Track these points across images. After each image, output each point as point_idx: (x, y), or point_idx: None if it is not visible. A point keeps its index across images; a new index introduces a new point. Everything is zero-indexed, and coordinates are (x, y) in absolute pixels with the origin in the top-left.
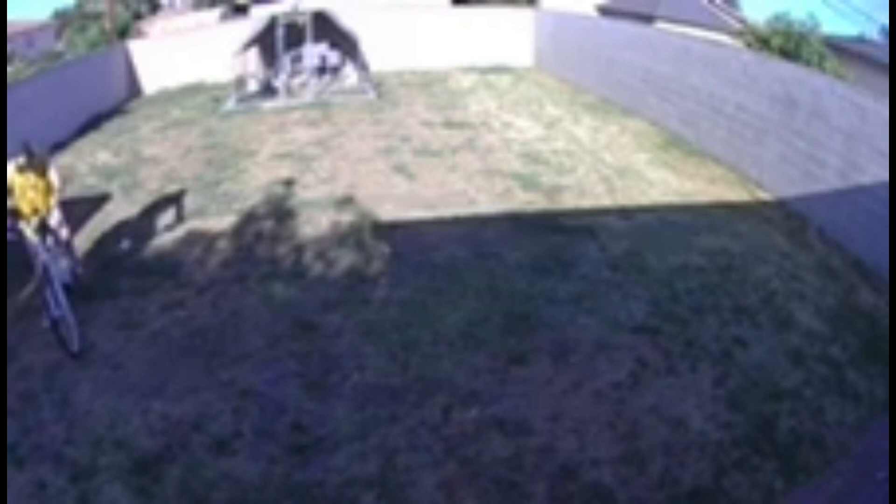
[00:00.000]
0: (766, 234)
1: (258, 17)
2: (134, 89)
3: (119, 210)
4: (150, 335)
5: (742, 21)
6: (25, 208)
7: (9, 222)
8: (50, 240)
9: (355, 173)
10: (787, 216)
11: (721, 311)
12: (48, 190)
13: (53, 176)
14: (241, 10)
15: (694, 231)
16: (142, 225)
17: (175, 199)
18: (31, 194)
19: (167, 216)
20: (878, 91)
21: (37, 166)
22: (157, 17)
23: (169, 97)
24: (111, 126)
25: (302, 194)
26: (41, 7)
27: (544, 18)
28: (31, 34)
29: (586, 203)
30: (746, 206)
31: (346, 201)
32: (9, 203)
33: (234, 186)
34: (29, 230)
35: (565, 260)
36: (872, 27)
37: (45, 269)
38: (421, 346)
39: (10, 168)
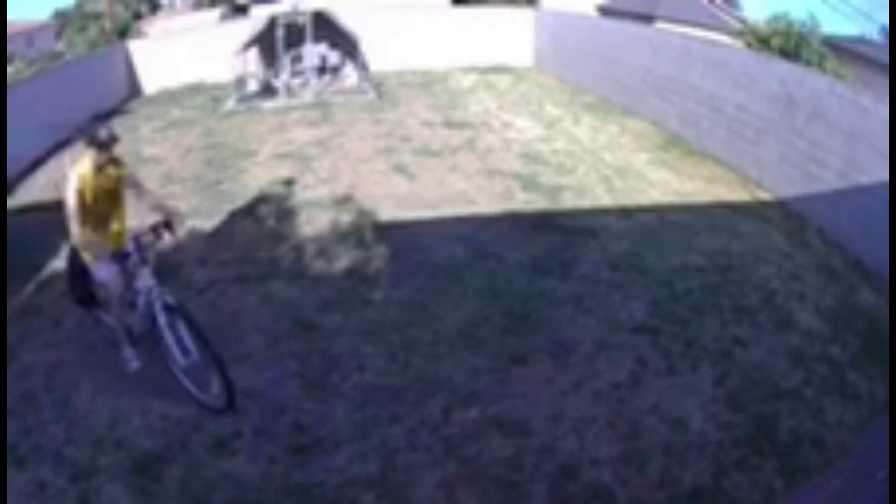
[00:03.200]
0: (766, 234)
1: (258, 17)
2: (134, 89)
3: None
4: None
5: (742, 21)
6: (97, 228)
7: (94, 252)
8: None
9: (355, 173)
10: (787, 216)
11: (721, 311)
12: (121, 200)
13: (131, 181)
14: (241, 10)
15: (694, 231)
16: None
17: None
18: (106, 206)
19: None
20: (878, 91)
21: (114, 160)
22: (157, 17)
23: (169, 97)
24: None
25: (302, 194)
26: (41, 7)
27: (544, 18)
28: (31, 34)
29: (586, 203)
30: (746, 206)
31: (346, 201)
32: (78, 217)
33: (234, 186)
34: (102, 261)
35: (565, 260)
36: (872, 27)
37: (168, 307)
38: (421, 346)
39: (86, 164)
